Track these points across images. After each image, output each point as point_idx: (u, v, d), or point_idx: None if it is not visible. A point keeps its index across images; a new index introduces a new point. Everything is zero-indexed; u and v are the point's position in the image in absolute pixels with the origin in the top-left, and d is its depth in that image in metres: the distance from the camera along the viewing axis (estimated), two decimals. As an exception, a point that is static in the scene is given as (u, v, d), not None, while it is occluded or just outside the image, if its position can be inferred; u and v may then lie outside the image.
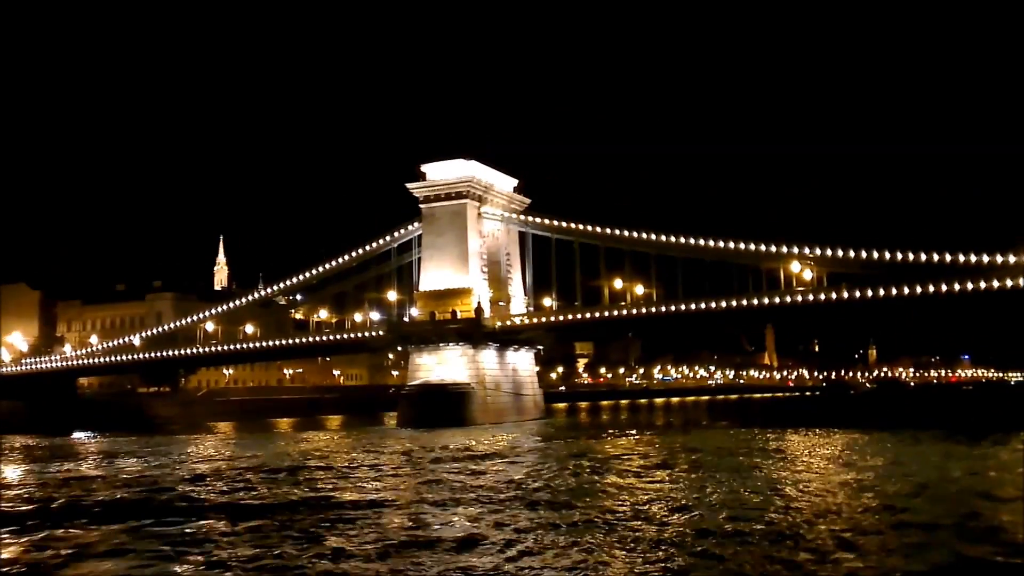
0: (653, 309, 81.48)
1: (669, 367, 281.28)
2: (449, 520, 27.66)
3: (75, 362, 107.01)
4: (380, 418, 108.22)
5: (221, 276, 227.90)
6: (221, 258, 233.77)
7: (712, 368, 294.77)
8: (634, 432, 72.86)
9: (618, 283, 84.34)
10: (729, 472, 38.77)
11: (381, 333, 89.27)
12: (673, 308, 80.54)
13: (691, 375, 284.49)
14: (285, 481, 39.43)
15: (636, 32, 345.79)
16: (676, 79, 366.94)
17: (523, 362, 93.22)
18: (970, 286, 71.85)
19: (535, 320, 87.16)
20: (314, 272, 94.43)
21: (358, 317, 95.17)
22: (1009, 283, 69.64)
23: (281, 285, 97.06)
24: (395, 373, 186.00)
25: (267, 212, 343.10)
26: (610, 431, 74.88)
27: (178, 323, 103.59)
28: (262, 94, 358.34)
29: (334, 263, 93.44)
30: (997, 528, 24.20)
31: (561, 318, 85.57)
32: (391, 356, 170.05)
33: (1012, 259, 69.97)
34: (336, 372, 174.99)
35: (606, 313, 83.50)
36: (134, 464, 48.87)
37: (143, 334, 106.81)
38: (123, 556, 22.57)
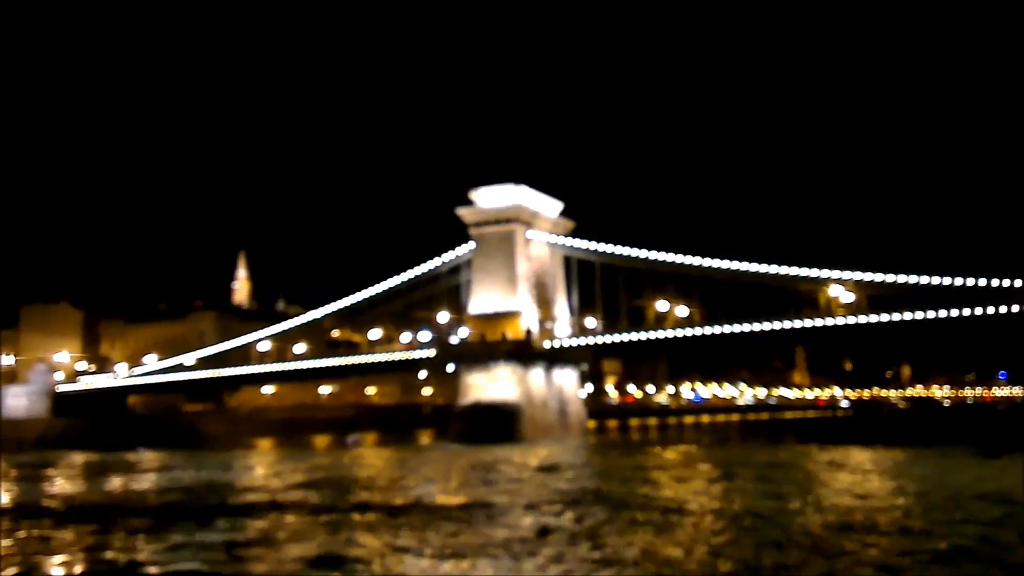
0: (696, 331, 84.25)
1: (698, 384, 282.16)
2: (536, 519, 30.74)
3: (134, 380, 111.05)
4: (414, 435, 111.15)
5: (241, 293, 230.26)
6: (242, 274, 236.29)
7: (741, 386, 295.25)
8: (676, 447, 75.65)
9: (661, 305, 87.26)
10: (769, 483, 41.85)
11: (433, 353, 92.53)
12: (716, 330, 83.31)
13: (720, 393, 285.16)
14: (376, 488, 42.63)
15: (678, 59, 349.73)
16: (718, 106, 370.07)
17: (568, 381, 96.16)
18: (1003, 309, 74.40)
19: (582, 341, 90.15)
20: (366, 294, 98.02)
21: (406, 337, 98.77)
22: None
23: (334, 306, 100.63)
24: (426, 392, 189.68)
25: (291, 233, 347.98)
26: (653, 446, 77.64)
27: (235, 342, 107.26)
28: (302, 120, 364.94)
29: (385, 285, 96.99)
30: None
31: (607, 339, 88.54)
32: (421, 375, 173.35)
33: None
34: (370, 391, 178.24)
35: (651, 335, 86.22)
36: (227, 476, 52.36)
37: (198, 353, 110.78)
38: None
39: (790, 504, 33.90)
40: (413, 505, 36.04)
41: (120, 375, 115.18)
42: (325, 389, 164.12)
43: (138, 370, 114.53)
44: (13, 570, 23.23)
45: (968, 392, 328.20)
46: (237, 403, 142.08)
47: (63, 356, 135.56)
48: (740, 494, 37.87)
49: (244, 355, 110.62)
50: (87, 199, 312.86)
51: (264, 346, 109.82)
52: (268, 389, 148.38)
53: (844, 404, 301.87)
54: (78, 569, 23.89)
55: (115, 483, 50.39)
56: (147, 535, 29.28)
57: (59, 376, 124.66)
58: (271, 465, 64.27)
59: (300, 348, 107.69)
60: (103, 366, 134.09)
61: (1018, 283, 75.17)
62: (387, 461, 65.34)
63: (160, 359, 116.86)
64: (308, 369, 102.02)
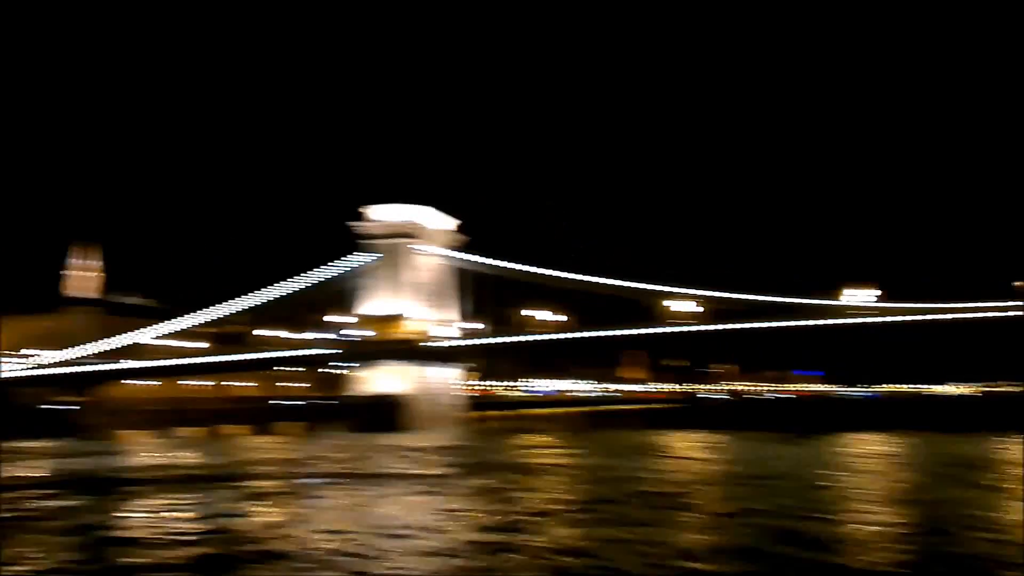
0: (565, 335, 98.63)
1: (549, 379, 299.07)
2: (468, 481, 41.98)
3: (29, 372, 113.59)
4: (276, 428, 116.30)
5: (78, 283, 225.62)
6: (77, 263, 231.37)
7: (587, 380, 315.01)
8: (540, 434, 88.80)
9: (539, 313, 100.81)
10: (619, 456, 55.59)
11: (329, 350, 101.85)
12: (582, 335, 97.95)
13: (569, 387, 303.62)
14: (314, 466, 52.25)
15: (553, 99, 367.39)
16: (588, 142, 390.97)
17: (451, 377, 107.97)
18: (804, 323, 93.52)
19: (465, 342, 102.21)
20: (263, 294, 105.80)
21: (305, 335, 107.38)
22: (831, 321, 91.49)
23: (232, 305, 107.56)
24: (291, 384, 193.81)
25: (151, 231, 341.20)
26: (521, 433, 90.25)
27: (128, 337, 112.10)
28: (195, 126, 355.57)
29: (281, 286, 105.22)
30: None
31: (488, 341, 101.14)
32: (283, 369, 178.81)
33: (832, 302, 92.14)
34: (234, 383, 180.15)
35: (525, 338, 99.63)
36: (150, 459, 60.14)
37: (94, 347, 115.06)
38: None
39: (637, 464, 47.17)
40: (364, 474, 46.22)
41: (37, 364, 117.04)
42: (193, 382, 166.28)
43: (33, 362, 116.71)
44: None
45: (790, 387, 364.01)
46: (112, 394, 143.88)
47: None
48: (598, 459, 51.28)
49: (129, 349, 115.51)
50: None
51: (143, 339, 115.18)
52: (140, 381, 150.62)
53: (682, 396, 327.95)
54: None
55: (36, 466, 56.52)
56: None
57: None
58: (194, 449, 71.40)
59: (187, 344, 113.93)
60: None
61: (830, 301, 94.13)
62: (297, 448, 72.91)
63: (57, 351, 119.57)
64: (212, 364, 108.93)
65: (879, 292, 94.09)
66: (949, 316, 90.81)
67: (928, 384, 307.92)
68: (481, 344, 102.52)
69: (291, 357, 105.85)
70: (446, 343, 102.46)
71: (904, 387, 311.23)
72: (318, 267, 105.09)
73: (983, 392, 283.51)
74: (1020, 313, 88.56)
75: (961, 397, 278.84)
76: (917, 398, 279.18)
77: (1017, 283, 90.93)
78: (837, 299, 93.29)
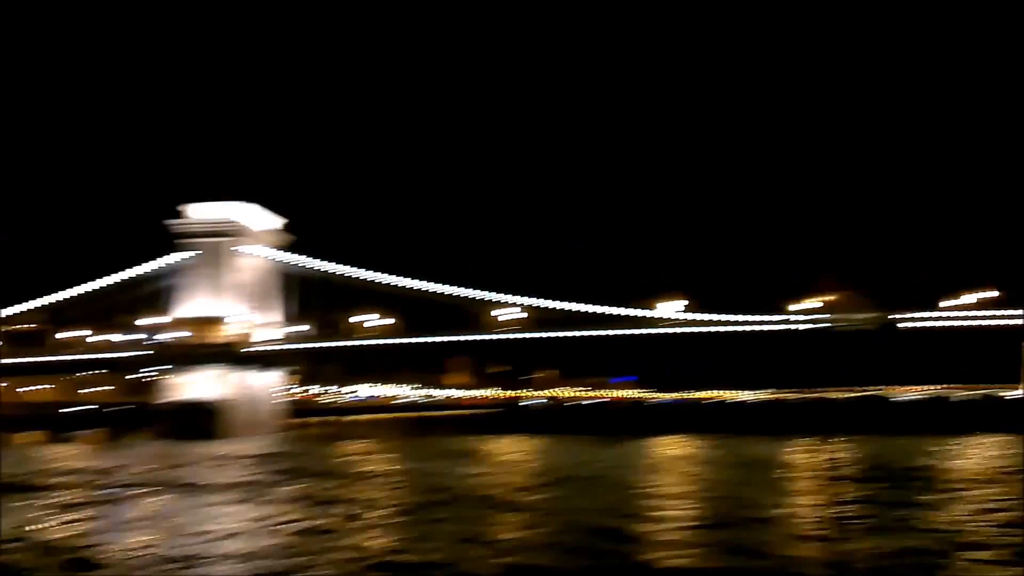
0: (391, 340, 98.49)
1: (372, 384, 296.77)
2: (287, 489, 41.79)
3: None
4: (75, 435, 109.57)
5: None
6: None
7: (411, 386, 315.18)
8: (360, 440, 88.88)
9: (366, 318, 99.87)
10: (439, 461, 57.34)
11: (139, 353, 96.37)
12: (408, 340, 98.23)
13: (392, 392, 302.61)
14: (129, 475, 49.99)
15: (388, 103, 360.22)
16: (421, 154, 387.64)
17: (273, 381, 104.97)
18: (619, 332, 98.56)
19: (288, 346, 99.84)
20: (67, 292, 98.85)
21: (113, 337, 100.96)
22: (644, 331, 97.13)
23: (29, 303, 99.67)
24: (92, 390, 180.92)
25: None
26: (341, 439, 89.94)
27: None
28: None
29: (88, 285, 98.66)
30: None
31: (312, 345, 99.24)
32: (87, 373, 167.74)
33: (649, 313, 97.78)
34: (29, 388, 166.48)
35: (349, 343, 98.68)
36: None
37: None
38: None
39: (456, 469, 48.69)
40: (172, 483, 44.73)
41: None
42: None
43: None
44: None
45: (606, 392, 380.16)
46: None
47: None
48: (417, 465, 52.61)
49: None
50: None
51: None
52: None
53: (504, 402, 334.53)
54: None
55: None
56: None
57: None
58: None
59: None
60: None
61: (645, 311, 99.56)
62: (97, 457, 69.09)
63: None
64: (11, 366, 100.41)
65: (687, 303, 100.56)
66: (747, 328, 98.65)
67: (730, 390, 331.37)
68: (304, 348, 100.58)
69: (95, 360, 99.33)
70: (267, 347, 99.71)
71: (708, 393, 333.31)
72: (131, 266, 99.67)
73: (775, 398, 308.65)
74: (809, 327, 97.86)
75: (757, 403, 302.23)
76: (720, 404, 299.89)
77: (806, 299, 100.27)
78: (651, 309, 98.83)
